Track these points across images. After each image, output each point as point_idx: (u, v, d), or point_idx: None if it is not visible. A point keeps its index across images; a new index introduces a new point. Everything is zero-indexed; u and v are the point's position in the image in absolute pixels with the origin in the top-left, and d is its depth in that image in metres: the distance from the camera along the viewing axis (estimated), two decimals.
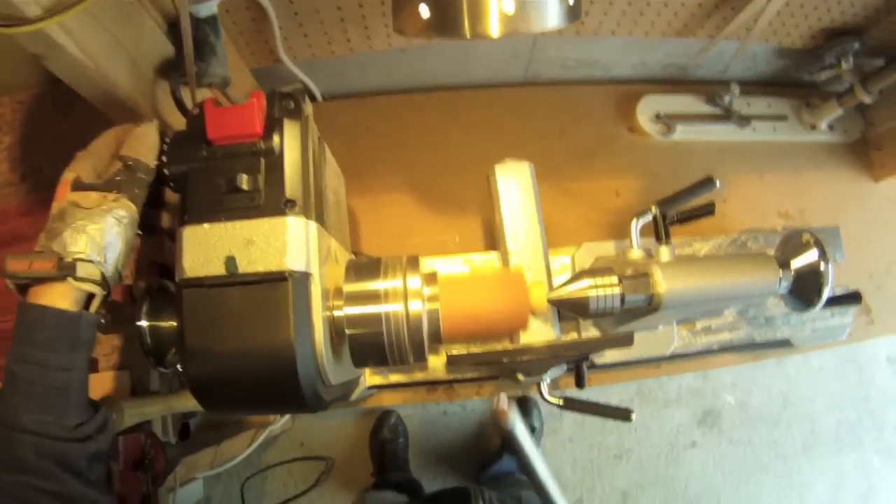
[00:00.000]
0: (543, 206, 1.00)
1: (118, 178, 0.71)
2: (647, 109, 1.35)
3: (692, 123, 1.36)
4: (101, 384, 1.12)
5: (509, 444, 0.79)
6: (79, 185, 0.70)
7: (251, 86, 1.19)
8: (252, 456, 1.65)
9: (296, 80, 1.25)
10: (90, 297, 0.68)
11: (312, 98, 1.32)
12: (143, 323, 0.76)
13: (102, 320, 0.71)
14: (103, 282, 0.67)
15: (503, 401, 0.76)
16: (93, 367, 1.13)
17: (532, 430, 2.04)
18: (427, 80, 1.36)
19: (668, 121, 1.34)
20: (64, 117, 1.27)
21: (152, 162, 0.74)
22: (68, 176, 0.72)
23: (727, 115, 1.37)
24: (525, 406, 2.04)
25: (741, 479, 2.25)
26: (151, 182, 0.75)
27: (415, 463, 2.08)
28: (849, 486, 2.32)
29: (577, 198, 1.29)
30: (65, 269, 0.64)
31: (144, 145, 0.74)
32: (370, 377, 1.04)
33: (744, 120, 1.37)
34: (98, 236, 0.67)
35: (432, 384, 1.17)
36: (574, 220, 1.28)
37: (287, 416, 1.69)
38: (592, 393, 2.17)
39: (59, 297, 0.65)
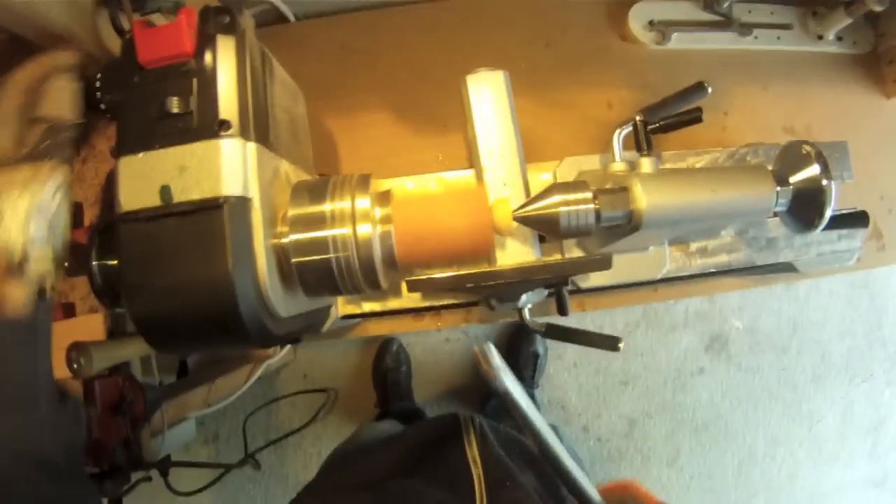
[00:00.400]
0: (530, 120, 0.94)
1: (43, 144, 0.67)
2: (640, 16, 1.26)
3: (689, 31, 1.26)
4: (77, 328, 1.10)
5: (502, 402, 0.74)
6: (2, 161, 0.66)
7: None
8: (255, 389, 1.65)
9: (264, 2, 1.18)
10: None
11: (284, 19, 1.25)
12: (93, 263, 0.72)
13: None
14: (55, 257, 0.64)
15: (490, 354, 0.68)
16: (69, 311, 1.11)
17: (535, 356, 2.02)
18: None
19: (662, 28, 1.25)
20: (23, 55, 1.22)
21: (75, 115, 0.70)
22: None
23: (727, 23, 1.28)
24: (528, 330, 2.02)
25: (749, 407, 2.25)
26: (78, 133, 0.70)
27: (420, 392, 2.08)
28: (858, 416, 2.31)
29: (567, 111, 1.22)
30: (15, 272, 0.61)
31: (60, 101, 0.69)
32: (343, 306, 1.00)
33: (745, 28, 1.28)
34: (40, 215, 0.63)
35: (418, 311, 1.13)
36: (563, 135, 1.20)
37: (287, 349, 1.67)
38: (595, 316, 2.18)
39: (14, 289, 0.62)
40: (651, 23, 1.26)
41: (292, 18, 1.26)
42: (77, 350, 0.93)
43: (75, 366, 0.93)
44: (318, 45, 1.24)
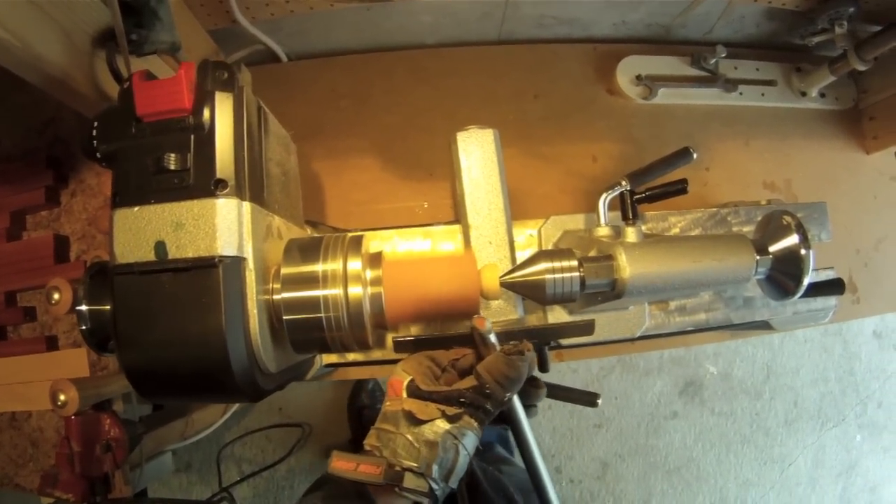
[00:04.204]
0: (516, 170, 0.96)
1: (463, 397, 0.68)
2: (628, 71, 1.29)
3: (675, 86, 1.29)
4: (59, 363, 1.10)
5: (506, 415, 0.76)
6: (415, 392, 0.69)
7: (210, 49, 1.13)
8: (230, 421, 1.64)
9: (257, 41, 1.19)
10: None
11: (276, 59, 1.26)
12: (83, 307, 0.72)
13: None
14: (430, 493, 0.65)
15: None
16: (52, 344, 1.10)
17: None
18: (395, 40, 1.30)
19: (649, 83, 1.28)
20: (20, 88, 1.22)
21: (506, 398, 0.70)
22: (402, 377, 0.72)
23: (713, 79, 1.31)
24: None
25: (721, 451, 2.27)
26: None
27: None
28: (830, 460, 2.34)
29: (552, 162, 1.23)
30: (391, 479, 0.64)
31: (507, 377, 0.69)
32: (327, 356, 1.00)
33: (730, 84, 1.31)
34: (430, 453, 0.65)
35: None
36: (548, 187, 1.22)
37: None
38: (569, 363, 2.18)
39: (385, 496, 0.66)
40: (638, 77, 1.28)
41: (285, 59, 1.27)
42: (61, 388, 0.93)
43: (59, 403, 0.93)
44: (309, 86, 1.25)
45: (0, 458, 1.15)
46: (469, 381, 0.70)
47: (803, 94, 1.36)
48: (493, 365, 0.69)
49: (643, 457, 2.22)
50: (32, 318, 1.15)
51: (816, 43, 1.29)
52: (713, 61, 1.30)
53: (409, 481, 0.63)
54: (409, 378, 0.71)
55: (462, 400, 0.68)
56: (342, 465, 0.65)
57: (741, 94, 1.33)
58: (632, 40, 1.38)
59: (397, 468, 0.64)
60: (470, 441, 0.68)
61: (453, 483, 0.67)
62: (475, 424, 0.68)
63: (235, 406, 1.54)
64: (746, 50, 1.39)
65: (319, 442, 2.11)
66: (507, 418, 0.76)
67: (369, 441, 0.69)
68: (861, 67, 1.20)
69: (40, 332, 1.14)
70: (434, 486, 0.65)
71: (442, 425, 0.66)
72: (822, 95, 1.38)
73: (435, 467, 0.65)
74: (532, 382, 0.80)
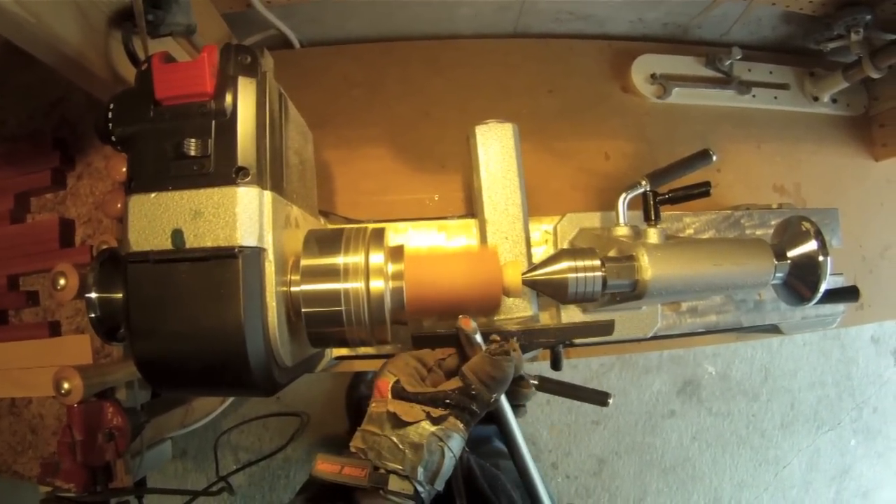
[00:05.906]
0: (527, 165, 0.95)
1: (448, 398, 0.68)
2: (643, 69, 1.28)
3: (689, 86, 1.28)
4: (62, 349, 1.08)
5: (494, 415, 0.76)
6: (400, 394, 0.69)
7: (223, 33, 1.11)
8: (228, 409, 1.63)
9: (271, 27, 1.18)
10: None
11: (289, 45, 1.25)
12: (92, 295, 0.69)
13: None
14: (415, 496, 0.64)
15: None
16: (55, 329, 1.09)
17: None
18: (410, 29, 1.28)
19: (664, 82, 1.27)
20: (27, 67, 1.20)
21: (492, 399, 0.70)
22: (388, 378, 0.71)
23: (727, 80, 1.30)
24: None
25: (717, 451, 2.27)
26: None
27: None
28: (824, 464, 2.35)
29: (564, 158, 1.22)
30: (376, 481, 0.64)
31: (493, 378, 0.68)
32: (338, 349, 0.99)
33: (744, 86, 1.30)
34: (415, 455, 0.65)
35: None
36: (559, 183, 1.21)
37: None
38: (570, 360, 2.18)
39: (370, 499, 0.65)
40: (653, 76, 1.27)
41: (297, 45, 1.26)
42: (66, 375, 0.91)
43: (63, 391, 0.91)
44: (321, 73, 1.23)
45: None
46: (455, 383, 0.69)
47: (815, 98, 1.35)
48: (479, 365, 0.69)
49: (639, 455, 2.22)
50: (35, 302, 1.13)
51: (831, 49, 1.28)
52: (728, 63, 1.29)
53: (394, 484, 0.63)
54: (394, 379, 0.71)
55: (447, 401, 0.67)
56: (326, 467, 0.65)
57: (754, 96, 1.32)
58: (647, 39, 1.37)
59: (382, 471, 0.64)
60: (456, 443, 0.68)
61: (439, 485, 0.67)
62: (461, 426, 0.68)
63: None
64: (761, 53, 1.38)
65: (317, 432, 2.10)
66: (495, 419, 0.76)
67: (354, 443, 0.68)
68: (875, 75, 1.20)
69: (43, 317, 1.12)
70: (419, 488, 0.64)
71: (427, 427, 0.66)
72: (834, 101, 1.37)
73: (420, 470, 0.64)
74: (519, 382, 0.80)
